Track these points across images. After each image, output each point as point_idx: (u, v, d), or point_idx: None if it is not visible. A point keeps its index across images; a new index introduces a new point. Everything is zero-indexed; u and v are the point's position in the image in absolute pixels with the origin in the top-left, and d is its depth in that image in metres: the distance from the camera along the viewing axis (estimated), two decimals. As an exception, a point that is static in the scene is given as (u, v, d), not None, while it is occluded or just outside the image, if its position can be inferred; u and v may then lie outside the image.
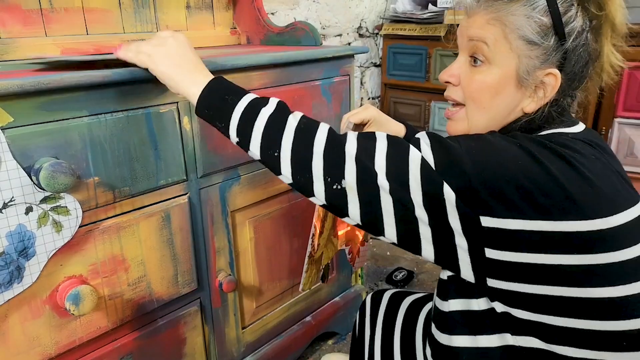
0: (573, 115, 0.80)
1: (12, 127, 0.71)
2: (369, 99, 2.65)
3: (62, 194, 0.76)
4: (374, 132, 0.72)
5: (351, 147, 0.68)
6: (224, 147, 1.00)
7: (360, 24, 2.47)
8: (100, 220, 0.83)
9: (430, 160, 0.66)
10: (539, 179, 0.63)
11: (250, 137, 0.72)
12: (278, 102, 0.75)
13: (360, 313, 1.09)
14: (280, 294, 1.25)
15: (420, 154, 0.66)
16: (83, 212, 0.79)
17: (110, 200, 0.84)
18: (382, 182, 0.66)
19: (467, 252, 0.66)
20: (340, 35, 2.36)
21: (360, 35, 2.49)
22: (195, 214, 0.98)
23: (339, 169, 0.68)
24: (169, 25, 1.35)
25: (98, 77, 0.76)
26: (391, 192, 0.66)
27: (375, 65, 2.62)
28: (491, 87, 0.75)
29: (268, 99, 0.75)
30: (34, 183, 0.73)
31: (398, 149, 0.68)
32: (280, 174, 0.73)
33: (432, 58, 2.25)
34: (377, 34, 2.55)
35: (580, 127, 0.76)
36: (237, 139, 0.74)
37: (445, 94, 0.81)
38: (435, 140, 0.68)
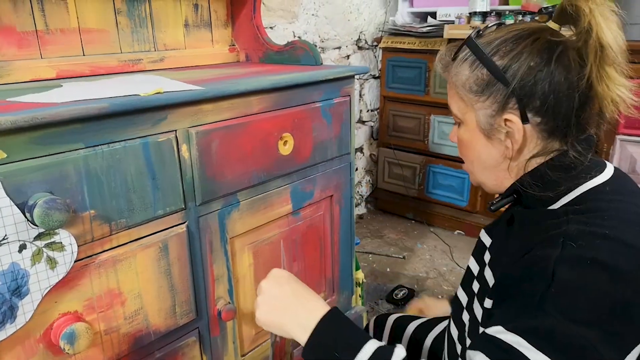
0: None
1: (5, 164, 0.68)
2: (367, 111, 2.64)
3: (56, 230, 0.73)
4: None
5: None
6: (223, 173, 0.98)
7: (359, 37, 2.46)
8: (96, 254, 0.81)
9: None
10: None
11: None
12: None
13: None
14: (279, 319, 1.23)
15: None
16: (78, 246, 0.77)
17: (107, 233, 0.81)
18: None
19: None
20: (339, 48, 2.35)
21: (359, 48, 2.48)
22: (193, 242, 0.96)
23: None
24: (166, 44, 1.33)
25: (95, 110, 0.74)
26: None
27: (374, 77, 2.61)
28: (468, 144, 0.79)
29: (389, 353, 0.68)
30: (28, 220, 0.70)
31: None
32: None
33: (431, 72, 2.24)
34: (376, 46, 2.54)
35: (608, 172, 0.72)
36: None
37: None
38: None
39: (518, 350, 0.60)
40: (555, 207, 0.71)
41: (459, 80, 0.76)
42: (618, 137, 1.72)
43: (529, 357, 0.59)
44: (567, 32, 0.73)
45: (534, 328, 0.60)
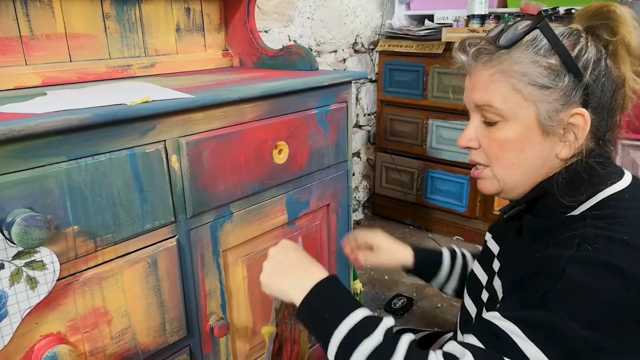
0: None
1: (-20, 179, 0.64)
2: (364, 115, 2.60)
3: (37, 248, 0.69)
4: None
5: None
6: (215, 184, 0.94)
7: (356, 40, 2.42)
8: (80, 272, 0.77)
9: None
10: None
11: None
12: (386, 332, 0.66)
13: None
14: (275, 332, 1.19)
15: None
16: (61, 264, 0.73)
17: (91, 249, 0.77)
18: None
19: None
20: (335, 51, 2.32)
21: (356, 51, 2.45)
22: (184, 256, 0.92)
23: None
24: (157, 50, 1.29)
25: (77, 120, 0.70)
26: None
27: (371, 81, 2.58)
28: (515, 143, 0.69)
29: (377, 323, 0.67)
30: (6, 238, 0.66)
31: None
32: None
33: (429, 75, 2.21)
34: (373, 49, 2.51)
35: (627, 179, 0.70)
36: None
37: (468, 158, 0.77)
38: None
39: (510, 338, 0.59)
40: (575, 214, 0.69)
41: (520, 70, 0.67)
42: (620, 141, 1.69)
43: (520, 346, 0.59)
44: None
45: (531, 319, 0.59)
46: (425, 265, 1.05)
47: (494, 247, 0.86)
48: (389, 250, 1.03)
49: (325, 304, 0.71)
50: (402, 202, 2.50)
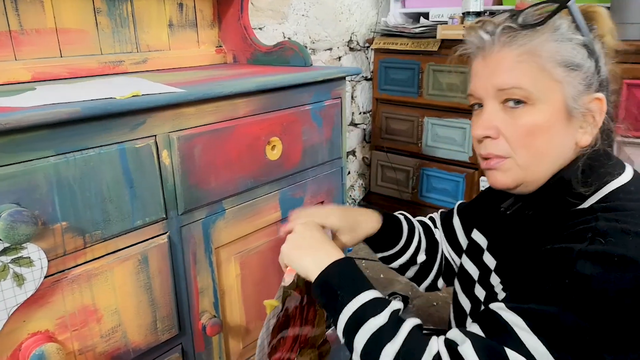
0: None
1: (-35, 173, 0.63)
2: (360, 113, 2.59)
3: (24, 244, 0.68)
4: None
5: None
6: (207, 180, 0.92)
7: (351, 38, 2.41)
8: (69, 269, 0.75)
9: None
10: None
11: (353, 345, 0.68)
12: (392, 313, 0.67)
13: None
14: (269, 331, 1.18)
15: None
16: (49, 261, 0.71)
17: (80, 246, 0.76)
18: None
19: None
20: (330, 49, 2.31)
21: (351, 49, 2.43)
22: (176, 253, 0.91)
23: None
24: (150, 45, 1.28)
25: (65, 114, 0.69)
26: None
27: (367, 79, 2.57)
28: (545, 129, 0.66)
29: (385, 304, 0.68)
30: (-8, 233, 0.65)
31: None
32: None
33: (424, 73, 2.20)
34: (368, 47, 2.50)
35: (629, 171, 0.69)
36: (343, 340, 0.70)
37: (481, 152, 0.71)
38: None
39: (513, 330, 0.59)
40: (583, 207, 0.68)
41: (550, 49, 0.65)
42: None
43: (522, 338, 0.58)
44: None
45: (536, 312, 0.59)
46: (388, 236, 0.97)
47: (481, 240, 0.85)
48: (350, 231, 0.90)
49: (339, 281, 0.72)
50: (398, 201, 2.50)
